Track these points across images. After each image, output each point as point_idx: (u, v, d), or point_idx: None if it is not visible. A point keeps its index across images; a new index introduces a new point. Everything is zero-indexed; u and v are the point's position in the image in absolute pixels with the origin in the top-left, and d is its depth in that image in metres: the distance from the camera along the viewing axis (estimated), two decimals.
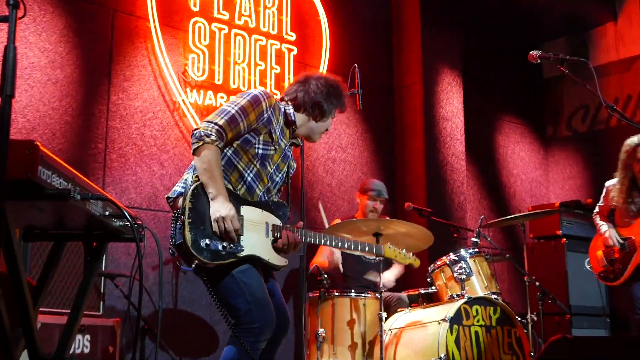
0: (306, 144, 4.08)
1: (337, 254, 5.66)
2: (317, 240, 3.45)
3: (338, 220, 5.70)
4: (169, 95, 5.74)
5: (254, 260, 3.17)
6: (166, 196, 3.28)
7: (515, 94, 8.89)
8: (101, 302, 4.46)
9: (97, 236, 2.53)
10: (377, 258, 4.86)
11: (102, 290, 4.50)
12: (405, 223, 4.54)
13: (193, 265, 3.04)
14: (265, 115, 3.25)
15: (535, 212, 5.72)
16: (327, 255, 5.64)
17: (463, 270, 4.98)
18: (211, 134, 3.08)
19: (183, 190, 3.18)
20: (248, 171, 3.25)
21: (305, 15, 6.76)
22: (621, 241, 5.29)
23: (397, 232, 4.53)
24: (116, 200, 2.32)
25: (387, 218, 5.90)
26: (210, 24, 5.96)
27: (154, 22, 5.66)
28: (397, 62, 7.48)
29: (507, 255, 5.47)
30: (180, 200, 3.12)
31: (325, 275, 5.14)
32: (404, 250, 4.14)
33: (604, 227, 5.45)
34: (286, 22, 6.46)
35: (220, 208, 3.06)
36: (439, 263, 5.19)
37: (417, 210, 5.95)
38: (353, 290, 5.11)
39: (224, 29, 6.03)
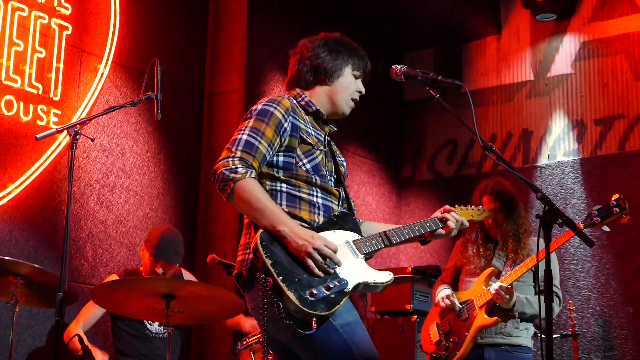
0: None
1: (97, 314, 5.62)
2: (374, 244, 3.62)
3: (115, 277, 5.63)
4: None
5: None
6: (234, 274, 3.52)
7: (365, 118, 9.11)
8: None
9: None
10: (167, 330, 4.82)
11: None
12: (207, 286, 4.58)
13: (315, 325, 3.27)
14: (286, 125, 3.55)
15: None
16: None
17: None
18: (236, 167, 3.37)
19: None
20: (314, 194, 3.58)
21: None
22: (460, 306, 5.56)
23: (198, 295, 4.55)
24: None
25: (185, 272, 5.90)
26: None
27: None
28: (213, 59, 7.52)
29: None
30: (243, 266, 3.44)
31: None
32: (474, 207, 4.17)
33: (443, 291, 5.70)
34: None
35: (300, 240, 3.34)
36: (250, 340, 5.25)
37: (224, 266, 5.95)
38: None
39: None
